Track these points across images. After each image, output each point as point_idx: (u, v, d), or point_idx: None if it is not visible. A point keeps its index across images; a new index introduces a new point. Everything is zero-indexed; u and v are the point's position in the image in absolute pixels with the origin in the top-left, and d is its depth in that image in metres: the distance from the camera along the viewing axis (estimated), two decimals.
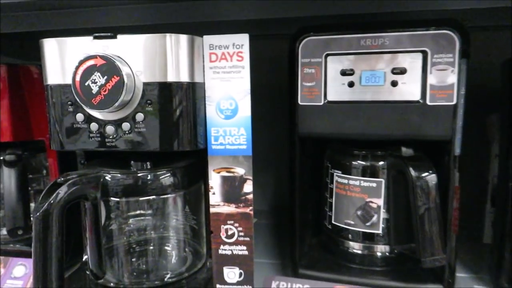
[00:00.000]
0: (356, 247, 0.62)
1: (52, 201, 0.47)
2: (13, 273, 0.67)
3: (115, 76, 0.47)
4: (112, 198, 0.55)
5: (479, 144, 0.73)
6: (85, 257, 0.62)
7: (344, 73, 0.54)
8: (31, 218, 0.70)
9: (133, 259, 0.58)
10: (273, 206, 0.99)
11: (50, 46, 0.50)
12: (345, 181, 0.61)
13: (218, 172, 0.53)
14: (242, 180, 0.53)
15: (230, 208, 0.54)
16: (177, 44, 0.49)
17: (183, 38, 0.49)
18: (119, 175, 0.53)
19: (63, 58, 0.50)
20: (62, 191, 0.48)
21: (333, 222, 0.63)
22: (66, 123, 0.51)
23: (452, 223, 0.55)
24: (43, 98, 0.68)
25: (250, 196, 0.54)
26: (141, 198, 0.56)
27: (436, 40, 0.50)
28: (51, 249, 0.48)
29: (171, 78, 0.49)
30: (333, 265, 0.62)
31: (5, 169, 0.67)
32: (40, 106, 0.69)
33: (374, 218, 0.59)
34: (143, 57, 0.48)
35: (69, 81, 0.49)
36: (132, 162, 0.56)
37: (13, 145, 0.70)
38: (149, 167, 0.56)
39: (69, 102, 0.50)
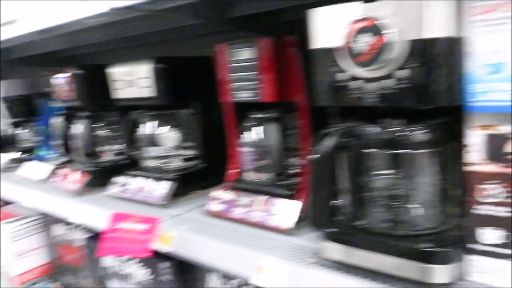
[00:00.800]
0: None
1: (324, 148, 0.55)
2: (276, 210, 0.81)
3: (382, 36, 0.50)
4: (368, 150, 0.60)
5: None
6: (339, 201, 0.69)
7: None
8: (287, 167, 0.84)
9: (384, 208, 0.62)
10: None
11: (317, 14, 0.57)
12: None
13: (481, 130, 0.52)
14: (508, 139, 0.50)
15: (492, 167, 0.52)
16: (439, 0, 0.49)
17: None
18: (375, 129, 0.58)
19: (329, 24, 0.56)
20: (331, 140, 0.56)
21: None
22: (329, 82, 0.58)
23: None
24: (296, 65, 0.78)
25: None
26: (394, 152, 0.59)
27: None
28: (324, 187, 0.56)
29: (433, 34, 0.49)
30: None
31: (270, 124, 0.81)
32: (294, 73, 0.79)
33: None
34: (408, 15, 0.50)
35: (334, 44, 0.55)
36: (385, 118, 0.60)
37: (276, 105, 0.83)
38: (403, 123, 0.58)
39: (333, 63, 0.57)
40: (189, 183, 1.08)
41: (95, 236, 1.20)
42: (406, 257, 0.57)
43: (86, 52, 1.68)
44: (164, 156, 1.11)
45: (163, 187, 1.03)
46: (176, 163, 1.11)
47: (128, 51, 1.72)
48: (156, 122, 1.12)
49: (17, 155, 1.62)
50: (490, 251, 0.54)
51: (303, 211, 0.81)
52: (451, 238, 0.59)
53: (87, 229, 1.26)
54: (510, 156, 0.51)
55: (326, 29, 0.57)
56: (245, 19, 0.94)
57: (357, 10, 0.53)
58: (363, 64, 0.53)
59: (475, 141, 0.52)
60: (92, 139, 1.19)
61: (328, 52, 0.57)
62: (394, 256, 0.58)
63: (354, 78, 0.55)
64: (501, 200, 0.53)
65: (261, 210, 0.82)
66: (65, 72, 1.19)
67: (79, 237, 1.28)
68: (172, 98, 1.02)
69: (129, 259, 1.10)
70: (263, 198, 0.83)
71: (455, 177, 0.61)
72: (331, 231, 0.63)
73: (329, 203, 0.59)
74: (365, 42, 0.52)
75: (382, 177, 0.61)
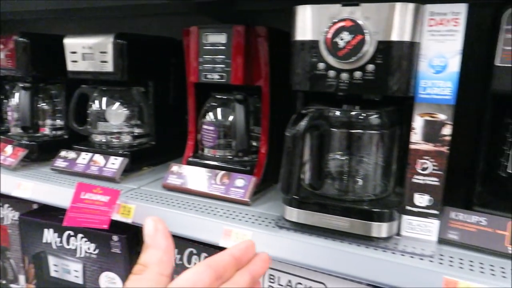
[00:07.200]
0: None
1: (300, 126, 0.65)
2: (235, 183, 0.89)
3: (359, 35, 0.62)
4: (332, 130, 0.71)
5: None
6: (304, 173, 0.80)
7: None
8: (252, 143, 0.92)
9: (339, 179, 0.74)
10: None
11: (303, 11, 0.67)
12: None
13: (422, 116, 0.67)
14: (443, 124, 0.66)
15: (428, 146, 0.67)
16: (404, 11, 0.62)
17: (410, 6, 0.62)
18: (340, 112, 0.70)
19: (313, 20, 0.67)
20: (306, 120, 0.66)
21: (509, 171, 0.73)
22: (309, 70, 0.68)
23: None
24: (263, 53, 0.87)
25: (447, 138, 0.66)
26: (352, 132, 0.71)
27: None
28: (296, 160, 0.66)
29: (397, 37, 0.62)
30: (506, 207, 0.72)
31: (236, 105, 0.89)
32: (260, 59, 0.88)
33: None
34: (378, 20, 0.62)
35: (316, 37, 0.66)
36: (346, 103, 0.72)
37: (240, 88, 0.91)
38: (361, 108, 0.71)
39: (314, 54, 0.67)
40: (139, 159, 1.11)
41: (31, 213, 1.16)
42: (354, 217, 0.70)
43: (33, 18, 1.57)
44: (114, 132, 1.12)
45: (115, 162, 1.04)
46: (126, 140, 1.13)
47: (83, 23, 1.64)
48: (107, 98, 1.12)
49: None
50: (420, 211, 0.70)
51: (259, 185, 0.91)
52: (390, 203, 0.73)
53: (19, 207, 1.20)
54: (443, 138, 0.66)
55: (310, 24, 0.67)
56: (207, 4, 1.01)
57: (339, 12, 0.64)
58: (341, 57, 0.64)
59: (418, 125, 0.67)
60: (31, 112, 1.14)
61: (311, 44, 0.67)
62: (345, 217, 0.70)
63: (331, 68, 0.66)
64: (431, 172, 0.68)
65: (221, 184, 0.90)
66: (5, 38, 1.12)
67: (9, 215, 1.22)
68: (128, 75, 1.03)
69: (70, 235, 1.09)
70: (222, 172, 0.91)
71: (396, 154, 0.76)
72: (293, 197, 0.74)
73: (298, 175, 0.69)
74: (344, 39, 0.63)
75: (340, 152, 0.73)
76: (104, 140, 1.12)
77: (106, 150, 1.08)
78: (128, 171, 1.06)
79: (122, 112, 1.12)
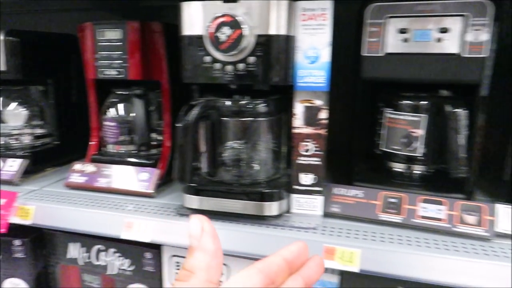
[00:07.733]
0: (400, 167, 0.81)
1: (190, 117, 0.69)
2: (139, 177, 0.91)
3: (237, 29, 0.67)
4: (222, 119, 0.76)
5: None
6: (199, 162, 0.83)
7: (401, 31, 0.71)
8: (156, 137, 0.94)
9: (233, 165, 0.79)
10: None
11: (188, 7, 0.71)
12: (395, 116, 0.79)
13: (302, 103, 0.73)
14: (319, 109, 0.73)
15: (309, 130, 0.74)
16: (279, 7, 0.68)
17: (284, 3, 0.68)
18: (229, 102, 0.74)
19: (197, 16, 0.70)
20: (196, 110, 0.70)
21: (382, 148, 0.83)
22: (197, 63, 0.72)
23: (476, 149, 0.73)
24: (160, 48, 0.89)
25: (324, 121, 0.73)
26: (242, 120, 0.76)
27: (474, 7, 0.66)
28: (188, 149, 0.70)
29: (274, 31, 0.68)
30: (380, 180, 0.81)
31: (134, 100, 0.90)
32: (158, 54, 0.91)
33: (415, 144, 0.78)
34: (256, 15, 0.68)
35: (201, 32, 0.70)
36: (236, 94, 0.77)
37: (140, 83, 0.92)
38: (249, 98, 0.76)
39: (200, 48, 0.71)
40: (41, 160, 1.07)
41: None
42: (248, 199, 0.75)
43: None
44: (14, 133, 1.07)
45: (13, 165, 1.00)
46: (27, 141, 1.08)
47: None
48: (2, 98, 1.07)
49: None
50: (306, 189, 0.77)
51: (162, 177, 0.93)
52: (280, 184, 0.79)
53: None
54: (321, 122, 0.74)
55: (195, 20, 0.70)
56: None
57: (219, 8, 0.68)
58: (223, 51, 0.68)
59: (299, 111, 0.74)
60: None
61: (197, 39, 0.71)
62: (240, 200, 0.75)
63: (217, 61, 0.70)
64: (313, 153, 0.75)
65: (125, 178, 0.91)
66: None
67: None
68: (23, 73, 1.00)
69: None
70: (126, 167, 0.92)
71: (284, 139, 0.82)
72: (190, 185, 0.77)
73: (191, 164, 0.73)
74: (225, 33, 0.67)
75: (232, 140, 0.78)
76: (2, 142, 1.07)
77: (4, 153, 1.04)
78: (29, 172, 1.03)
79: (20, 112, 1.08)
